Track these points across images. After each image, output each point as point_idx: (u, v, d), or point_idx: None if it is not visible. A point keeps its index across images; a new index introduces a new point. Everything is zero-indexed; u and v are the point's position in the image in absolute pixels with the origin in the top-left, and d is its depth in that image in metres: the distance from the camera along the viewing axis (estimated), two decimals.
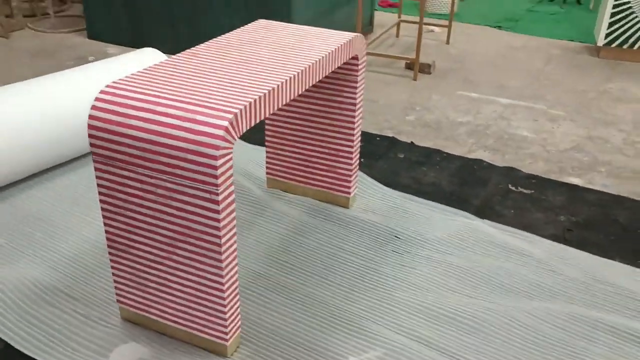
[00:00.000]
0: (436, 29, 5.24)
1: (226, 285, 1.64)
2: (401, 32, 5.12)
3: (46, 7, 5.38)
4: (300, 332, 1.85)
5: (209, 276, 1.63)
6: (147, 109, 1.53)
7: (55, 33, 4.94)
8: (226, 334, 1.72)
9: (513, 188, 2.72)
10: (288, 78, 1.72)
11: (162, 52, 4.43)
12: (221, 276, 1.61)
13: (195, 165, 1.48)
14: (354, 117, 2.34)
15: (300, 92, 1.82)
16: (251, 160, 2.87)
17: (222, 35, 2.11)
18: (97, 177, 1.64)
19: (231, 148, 1.49)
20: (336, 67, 2.04)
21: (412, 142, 3.15)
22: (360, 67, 2.24)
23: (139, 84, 1.63)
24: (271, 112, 1.66)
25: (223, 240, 1.56)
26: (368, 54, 4.20)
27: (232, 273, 1.65)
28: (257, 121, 1.60)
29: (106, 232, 1.73)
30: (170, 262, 1.67)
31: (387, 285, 2.07)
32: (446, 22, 5.31)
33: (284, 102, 1.72)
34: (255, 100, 1.57)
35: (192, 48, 1.95)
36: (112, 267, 1.79)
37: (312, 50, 1.96)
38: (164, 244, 1.65)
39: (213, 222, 1.54)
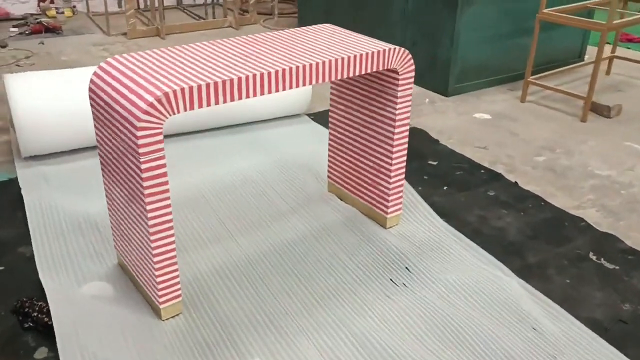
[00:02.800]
0: None
1: (155, 252, 1.77)
2: (615, 69, 4.45)
3: (283, 8, 6.07)
4: (236, 320, 1.89)
5: (145, 240, 1.79)
6: (118, 79, 1.74)
7: (275, 30, 5.55)
8: (159, 297, 1.85)
9: (593, 257, 2.24)
10: (252, 74, 1.76)
11: None
12: (151, 241, 1.75)
13: (127, 131, 1.65)
14: (392, 133, 2.22)
15: (276, 90, 1.82)
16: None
17: (275, 31, 2.22)
18: (95, 131, 1.93)
19: (157, 122, 1.61)
20: (353, 74, 1.99)
21: (516, 182, 2.80)
22: (400, 82, 2.12)
23: (132, 61, 1.86)
24: (224, 101, 1.73)
25: (149, 207, 1.70)
26: (541, 86, 3.79)
27: (162, 242, 1.77)
28: (203, 106, 1.69)
29: (104, 182, 2.01)
30: (130, 218, 1.87)
31: (351, 308, 1.95)
32: None
33: (248, 95, 1.77)
34: (198, 86, 1.66)
35: (225, 39, 2.11)
36: (109, 215, 2.07)
37: (324, 54, 1.94)
38: (125, 201, 1.86)
39: (141, 189, 1.69)
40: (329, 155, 2.60)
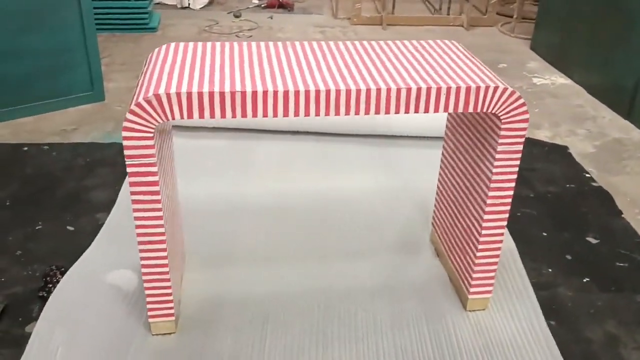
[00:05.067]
0: None
1: (143, 263, 1.61)
2: None
3: (532, 12, 5.32)
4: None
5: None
6: (152, 69, 1.59)
7: (510, 36, 4.89)
8: (148, 310, 1.70)
9: None
10: (273, 90, 1.43)
11: (574, 78, 3.88)
12: (140, 251, 1.59)
13: None
14: (487, 196, 1.67)
15: (296, 114, 1.46)
16: None
17: (374, 42, 1.83)
18: None
19: (145, 125, 1.41)
20: (425, 111, 1.51)
21: None
22: (502, 132, 1.56)
23: (185, 51, 1.68)
24: (232, 116, 1.44)
25: (136, 215, 1.54)
26: None
27: (150, 255, 1.59)
28: (205, 117, 1.44)
29: None
30: None
31: None
32: None
33: (266, 115, 1.45)
34: (199, 93, 1.41)
35: (314, 42, 1.80)
36: None
37: (393, 80, 1.51)
38: None
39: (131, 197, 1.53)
40: (436, 199, 2.12)
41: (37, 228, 2.21)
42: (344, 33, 4.82)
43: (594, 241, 2.25)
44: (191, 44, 1.74)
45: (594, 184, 2.65)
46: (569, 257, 2.15)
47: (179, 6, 5.28)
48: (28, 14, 2.95)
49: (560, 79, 3.94)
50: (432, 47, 1.79)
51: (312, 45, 1.78)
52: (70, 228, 2.22)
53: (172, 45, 1.74)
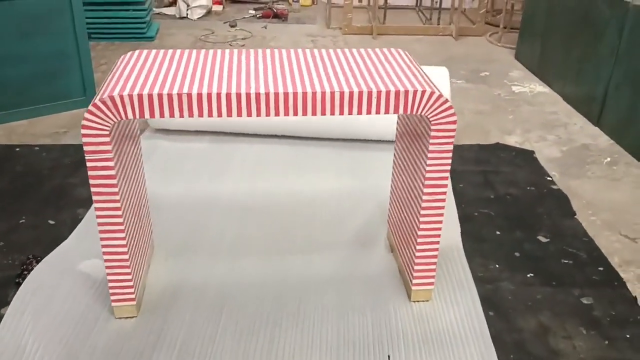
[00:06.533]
0: None
1: (104, 250, 1.76)
2: None
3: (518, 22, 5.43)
4: (171, 344, 1.78)
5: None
6: (116, 72, 1.75)
7: (497, 46, 5.01)
8: (110, 295, 1.85)
9: None
10: (226, 92, 1.58)
11: (552, 86, 3.99)
12: (100, 239, 1.75)
13: None
14: (422, 193, 1.80)
15: (246, 114, 1.61)
16: None
17: (323, 50, 1.98)
18: None
19: (101, 123, 1.57)
20: (358, 112, 1.65)
21: (636, 298, 2.04)
22: (433, 133, 1.70)
23: (149, 56, 1.83)
24: (180, 116, 1.60)
25: (96, 206, 1.69)
26: None
27: (110, 243, 1.74)
28: (156, 116, 1.59)
29: None
30: None
31: None
32: None
33: (211, 114, 1.60)
34: (149, 95, 1.56)
35: (266, 49, 1.95)
36: None
37: (332, 83, 1.65)
38: None
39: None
40: (390, 199, 2.25)
41: (20, 222, 2.37)
42: (334, 42, 4.98)
43: (544, 240, 2.36)
44: (154, 51, 1.90)
45: (553, 186, 2.77)
46: (517, 254, 2.27)
47: (177, 16, 5.48)
48: (22, 23, 3.14)
49: (539, 88, 4.06)
50: (378, 55, 1.93)
51: (265, 52, 1.92)
52: (51, 222, 2.38)
53: (137, 52, 1.90)
